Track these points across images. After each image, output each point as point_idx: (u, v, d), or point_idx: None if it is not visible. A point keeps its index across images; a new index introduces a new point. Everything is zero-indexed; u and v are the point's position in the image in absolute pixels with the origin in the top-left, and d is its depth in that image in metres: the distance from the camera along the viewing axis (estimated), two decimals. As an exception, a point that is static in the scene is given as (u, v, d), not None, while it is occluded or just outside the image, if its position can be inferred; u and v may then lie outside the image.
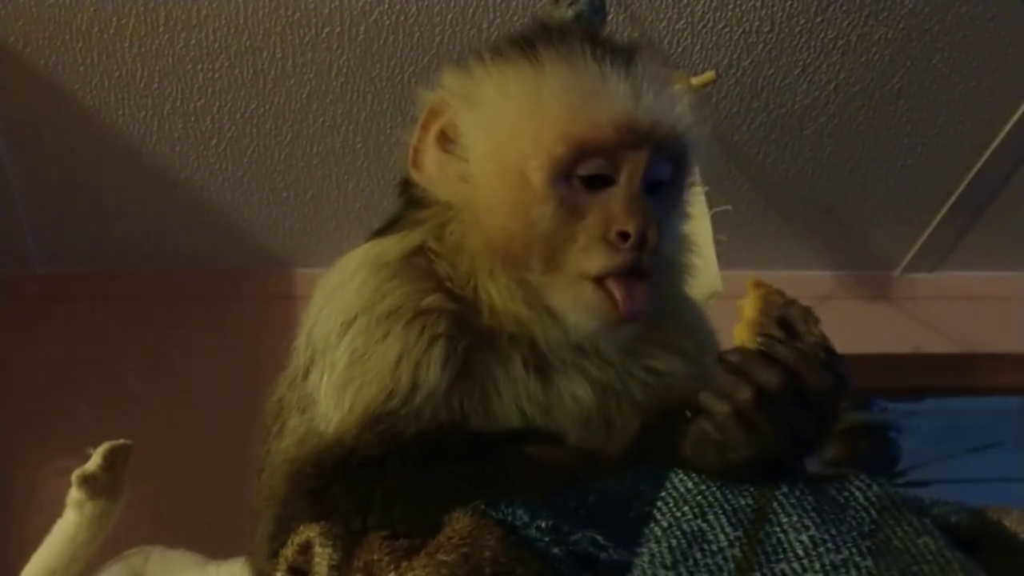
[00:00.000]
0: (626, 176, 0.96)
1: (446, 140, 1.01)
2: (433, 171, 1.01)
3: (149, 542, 2.00)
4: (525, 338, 0.97)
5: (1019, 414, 3.54)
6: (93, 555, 1.85)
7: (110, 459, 1.75)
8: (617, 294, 0.93)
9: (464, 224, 0.99)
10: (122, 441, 1.77)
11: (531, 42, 1.00)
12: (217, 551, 1.98)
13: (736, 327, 0.89)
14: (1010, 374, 3.41)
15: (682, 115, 1.00)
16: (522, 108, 0.97)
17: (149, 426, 2.97)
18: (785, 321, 0.88)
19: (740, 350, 0.82)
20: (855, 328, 3.30)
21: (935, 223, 3.23)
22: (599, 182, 0.96)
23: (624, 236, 0.93)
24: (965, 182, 3.03)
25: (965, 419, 4.39)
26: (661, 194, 1.00)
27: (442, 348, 0.93)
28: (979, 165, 2.96)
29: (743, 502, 0.71)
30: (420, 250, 1.00)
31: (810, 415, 0.80)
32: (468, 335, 0.95)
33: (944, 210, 3.16)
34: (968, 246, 3.38)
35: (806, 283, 3.30)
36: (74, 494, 1.79)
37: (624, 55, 0.99)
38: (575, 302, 0.95)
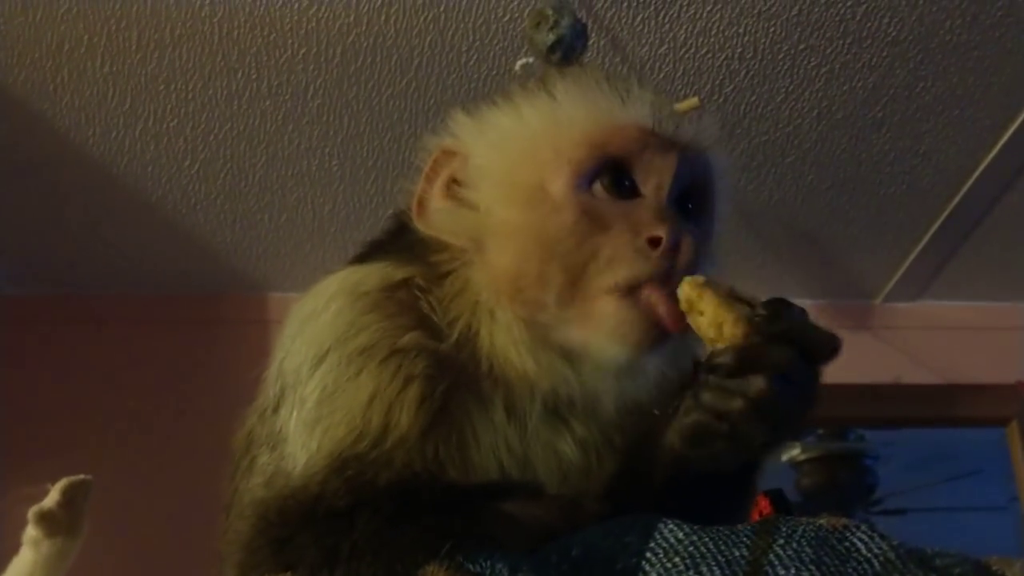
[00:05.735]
0: (653, 185, 0.91)
1: (455, 187, 0.95)
2: (440, 221, 0.95)
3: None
4: (507, 386, 0.90)
5: (1000, 444, 3.52)
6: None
7: (69, 495, 1.68)
8: (652, 301, 0.85)
9: (469, 267, 0.92)
10: (82, 477, 1.71)
11: (541, 78, 0.96)
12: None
13: (700, 325, 0.81)
14: (991, 405, 3.39)
15: (706, 129, 0.96)
16: (538, 125, 0.93)
17: (116, 454, 2.91)
18: (742, 298, 0.80)
19: (734, 347, 0.77)
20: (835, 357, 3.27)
21: (916, 252, 3.22)
22: (624, 190, 0.90)
23: (655, 242, 0.87)
24: (947, 211, 3.02)
25: (945, 449, 4.39)
26: (691, 219, 0.94)
27: (418, 389, 0.87)
28: (961, 194, 2.95)
29: (737, 553, 0.67)
30: (404, 284, 0.94)
31: (814, 374, 0.79)
32: (447, 377, 0.89)
33: (925, 239, 3.15)
34: (949, 276, 3.37)
35: (786, 311, 3.27)
36: (31, 531, 1.71)
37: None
38: (601, 323, 0.86)
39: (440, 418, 0.87)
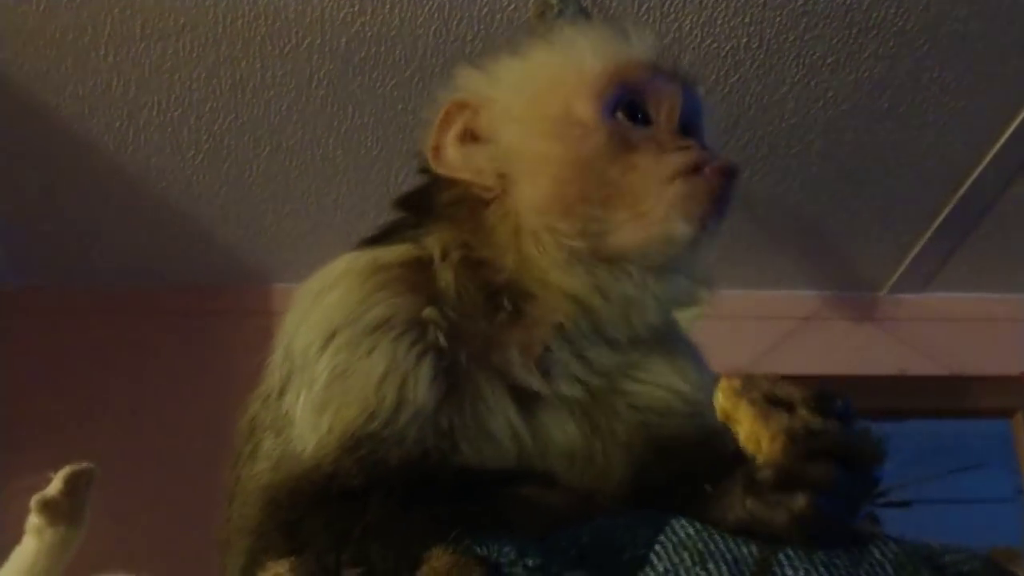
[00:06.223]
0: (665, 111, 0.97)
1: (469, 136, 0.98)
2: (462, 161, 0.97)
3: (113, 569, 1.93)
4: (527, 341, 0.91)
5: (1006, 436, 3.51)
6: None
7: (71, 484, 1.68)
8: (709, 172, 0.90)
9: (502, 201, 0.94)
10: (84, 465, 1.70)
11: (543, 32, 1.03)
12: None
13: (738, 435, 0.77)
14: (996, 397, 3.38)
15: (693, 71, 1.03)
16: (556, 63, 0.99)
17: (120, 445, 2.91)
18: (780, 401, 0.76)
19: (775, 465, 0.74)
20: (840, 349, 3.27)
21: (922, 243, 3.20)
22: (638, 121, 0.95)
23: (686, 150, 0.93)
24: (953, 202, 3.01)
25: (951, 441, 4.38)
26: None
27: (431, 363, 0.87)
28: (967, 185, 2.94)
29: (746, 551, 0.66)
30: (418, 262, 0.94)
31: (860, 481, 0.75)
32: (462, 350, 0.89)
33: (931, 230, 3.14)
34: (955, 267, 3.36)
35: (791, 303, 3.27)
36: (33, 520, 1.71)
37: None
38: (661, 206, 0.89)
39: (454, 391, 0.87)
